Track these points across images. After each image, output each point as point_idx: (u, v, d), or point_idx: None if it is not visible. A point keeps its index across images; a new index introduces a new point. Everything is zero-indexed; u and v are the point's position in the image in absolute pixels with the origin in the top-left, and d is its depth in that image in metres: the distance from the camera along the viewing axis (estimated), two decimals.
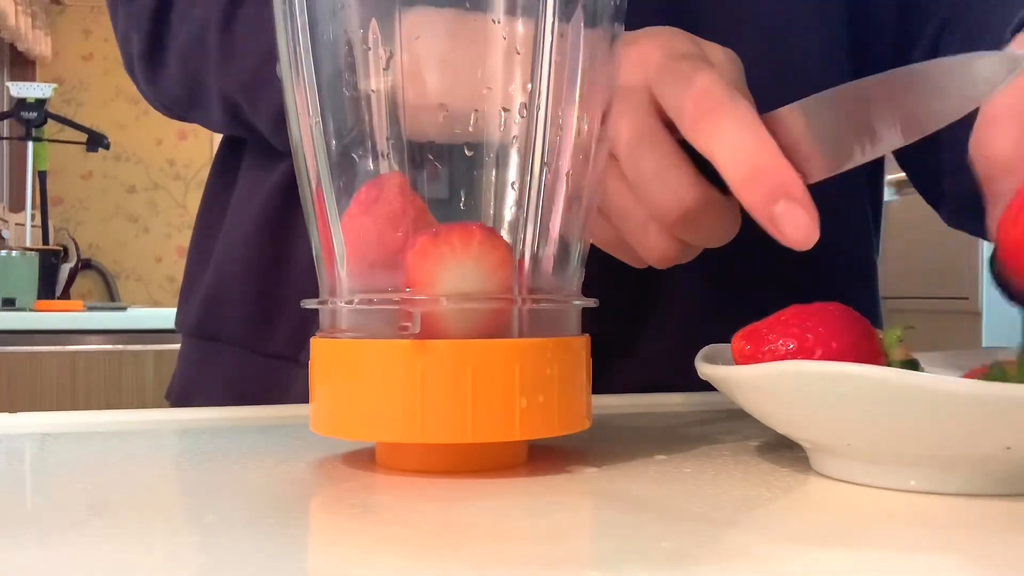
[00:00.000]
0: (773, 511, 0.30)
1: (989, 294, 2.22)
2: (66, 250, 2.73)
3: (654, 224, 0.40)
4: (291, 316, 0.57)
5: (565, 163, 0.35)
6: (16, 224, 2.81)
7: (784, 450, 0.38)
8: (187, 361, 0.65)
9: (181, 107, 0.61)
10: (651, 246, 0.40)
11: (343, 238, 0.34)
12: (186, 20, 0.56)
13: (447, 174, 0.34)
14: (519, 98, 0.33)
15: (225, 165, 0.65)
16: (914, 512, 0.29)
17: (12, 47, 3.16)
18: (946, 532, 0.27)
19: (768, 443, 0.40)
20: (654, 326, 0.56)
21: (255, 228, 0.59)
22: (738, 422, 0.45)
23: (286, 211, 0.58)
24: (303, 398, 0.53)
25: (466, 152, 0.33)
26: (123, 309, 2.46)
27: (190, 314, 0.63)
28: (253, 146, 0.62)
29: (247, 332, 0.59)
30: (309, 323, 0.56)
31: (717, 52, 0.42)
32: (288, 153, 0.57)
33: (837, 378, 0.30)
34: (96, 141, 2.61)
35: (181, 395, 0.65)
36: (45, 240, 2.70)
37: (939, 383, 0.28)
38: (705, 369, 0.35)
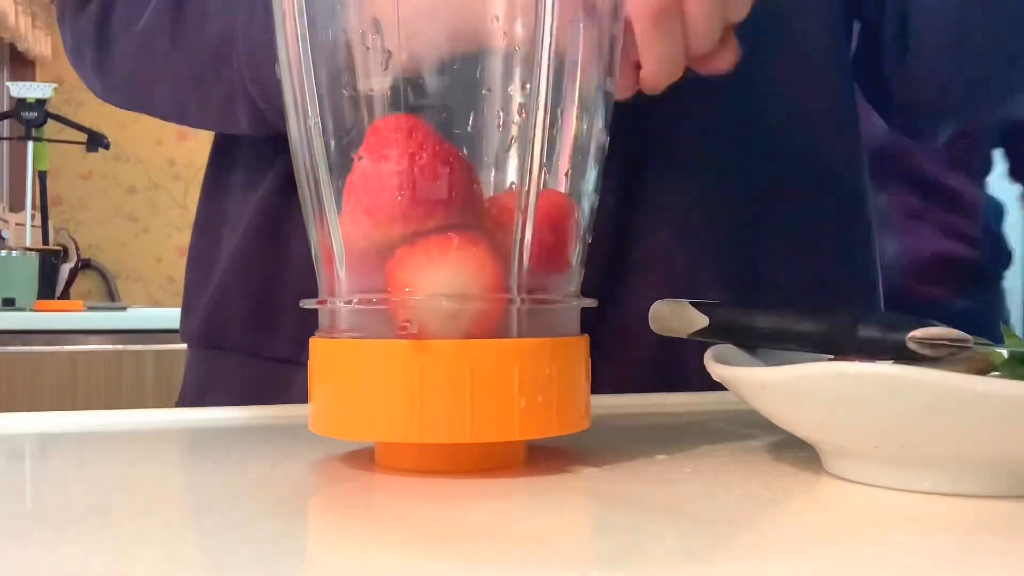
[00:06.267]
0: (773, 511, 0.30)
1: None
2: (66, 250, 2.72)
3: None
4: (291, 319, 0.58)
5: (564, 163, 0.35)
6: (16, 224, 2.81)
7: (784, 450, 0.38)
8: (194, 372, 0.66)
9: (131, 105, 0.65)
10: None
11: (342, 238, 0.34)
12: (130, 29, 0.59)
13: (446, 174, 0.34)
14: (518, 99, 0.33)
15: (217, 178, 0.66)
16: (917, 513, 0.29)
17: (12, 47, 3.16)
18: (951, 534, 0.27)
19: (768, 443, 0.40)
20: (631, 293, 0.55)
21: (251, 235, 0.60)
22: (739, 422, 0.45)
23: (280, 216, 0.59)
24: (304, 398, 0.54)
25: (464, 152, 0.33)
26: (123, 309, 2.46)
27: (194, 325, 0.64)
28: (244, 156, 0.63)
29: (250, 338, 0.60)
30: (309, 325, 0.57)
31: None
32: (278, 157, 0.58)
33: (866, 379, 0.29)
34: (96, 141, 2.61)
35: (192, 405, 0.65)
36: (45, 240, 2.69)
37: (973, 383, 0.28)
38: (720, 371, 0.35)
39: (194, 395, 0.65)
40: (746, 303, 0.56)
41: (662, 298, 0.42)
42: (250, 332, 0.60)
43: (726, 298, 0.56)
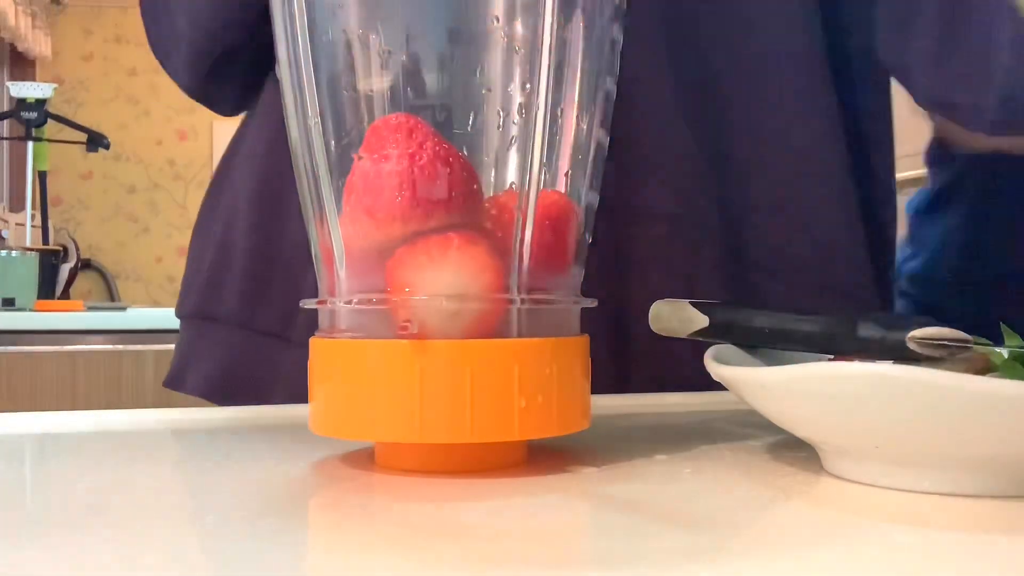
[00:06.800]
0: (774, 511, 0.30)
1: None
2: (66, 250, 2.72)
3: None
4: (282, 294, 0.58)
5: (564, 163, 0.35)
6: (16, 224, 2.81)
7: (785, 450, 0.38)
8: (182, 343, 0.66)
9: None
10: None
11: (342, 238, 0.34)
12: None
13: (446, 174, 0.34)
14: (517, 98, 0.33)
15: (226, 156, 0.67)
16: (917, 513, 0.29)
17: (12, 47, 3.16)
18: (951, 534, 0.27)
19: (769, 443, 0.40)
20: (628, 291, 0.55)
21: (250, 208, 0.60)
22: (739, 422, 0.45)
23: (279, 192, 0.59)
24: (293, 380, 0.54)
25: (464, 152, 0.33)
26: (123, 309, 2.46)
27: (190, 299, 0.64)
28: (252, 130, 0.63)
29: (241, 309, 0.60)
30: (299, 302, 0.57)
31: None
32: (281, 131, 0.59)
33: (866, 379, 0.29)
34: (96, 141, 2.61)
35: (174, 376, 0.66)
36: (45, 240, 2.69)
37: (973, 383, 0.28)
38: (720, 371, 0.35)
39: (179, 365, 0.65)
40: (746, 296, 0.57)
41: (661, 296, 0.42)
42: (242, 302, 0.60)
43: (723, 286, 0.56)
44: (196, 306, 0.64)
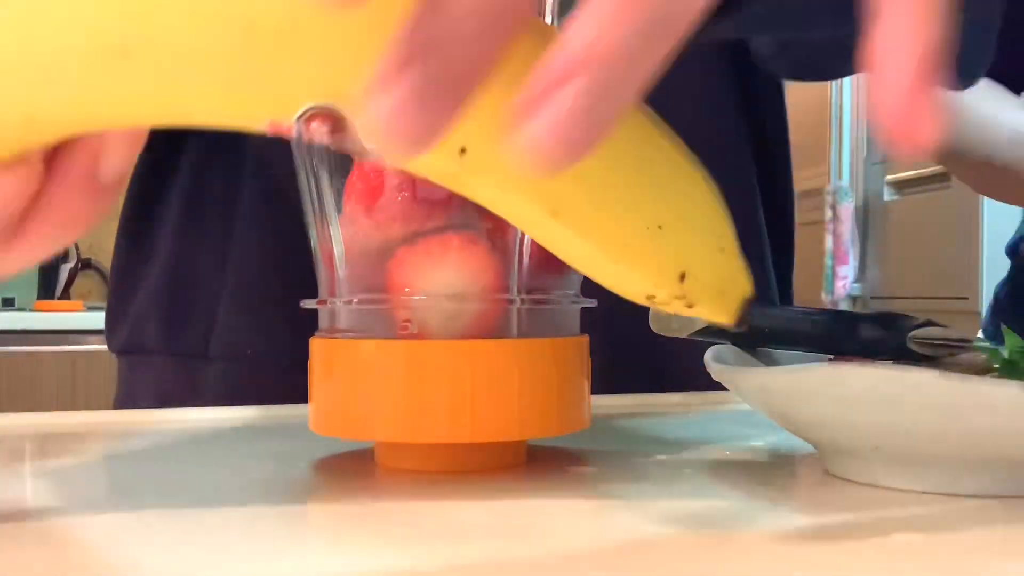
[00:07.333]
0: (773, 511, 0.30)
1: (988, 294, 2.22)
2: (66, 250, 2.73)
3: None
4: (200, 314, 0.59)
5: None
6: None
7: (784, 450, 0.38)
8: (121, 378, 0.67)
9: None
10: None
11: (342, 238, 0.34)
12: None
13: None
14: None
15: (148, 162, 0.66)
16: (917, 513, 0.29)
17: None
18: (951, 534, 0.28)
19: (768, 443, 0.40)
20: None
21: (177, 222, 0.61)
22: (739, 422, 0.45)
23: (195, 217, 0.59)
24: (214, 392, 0.55)
25: None
26: None
27: (121, 332, 0.65)
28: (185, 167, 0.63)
29: (165, 336, 0.61)
30: (215, 320, 0.58)
31: None
32: (198, 161, 0.59)
33: (867, 379, 0.29)
34: None
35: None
36: None
37: (974, 383, 0.28)
38: (720, 371, 0.35)
39: (121, 403, 0.66)
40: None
41: None
42: (165, 329, 0.61)
43: None
44: (127, 341, 0.64)
